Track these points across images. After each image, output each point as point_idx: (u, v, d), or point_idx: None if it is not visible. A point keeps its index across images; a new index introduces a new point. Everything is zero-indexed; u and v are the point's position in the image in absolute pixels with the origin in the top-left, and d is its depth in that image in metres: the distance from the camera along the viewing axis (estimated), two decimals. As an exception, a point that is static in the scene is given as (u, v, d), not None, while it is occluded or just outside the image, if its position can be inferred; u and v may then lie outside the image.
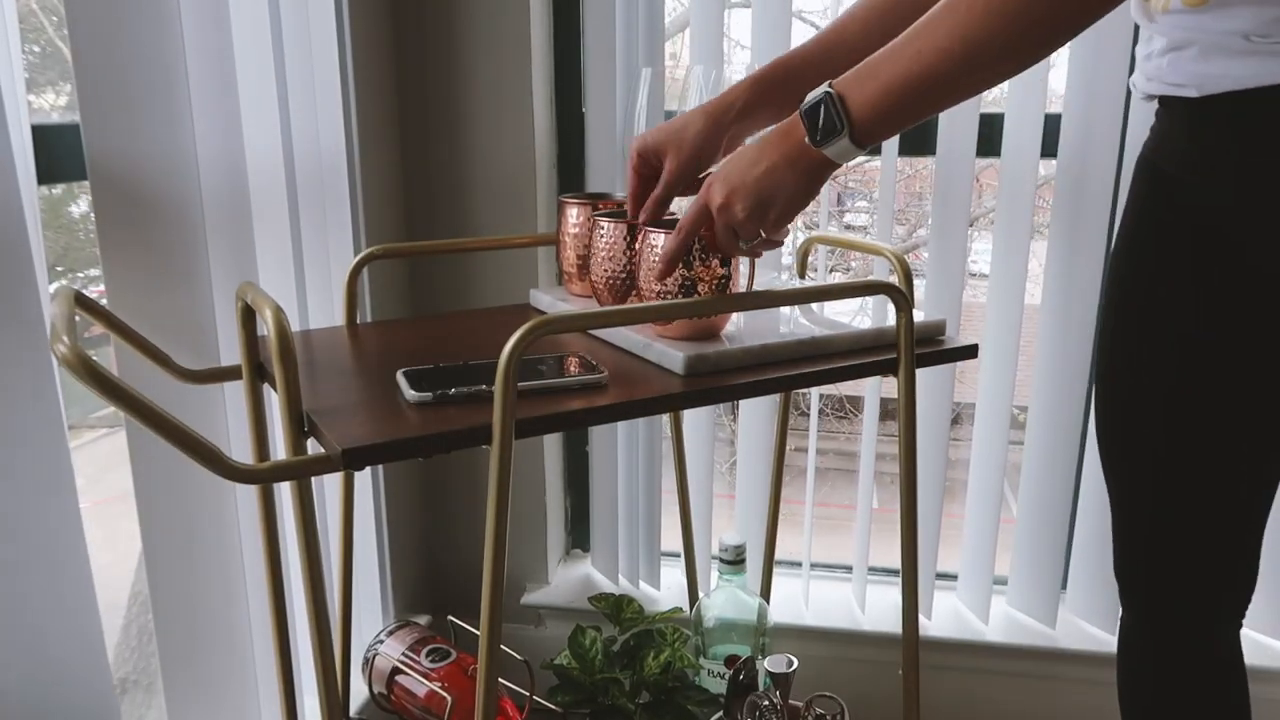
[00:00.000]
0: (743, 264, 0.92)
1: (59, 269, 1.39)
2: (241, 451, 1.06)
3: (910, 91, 0.72)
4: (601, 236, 0.95)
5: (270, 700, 1.14)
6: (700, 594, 1.42)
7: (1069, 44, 1.31)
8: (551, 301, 1.08)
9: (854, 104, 0.74)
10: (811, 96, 0.76)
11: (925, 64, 0.71)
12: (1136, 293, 0.87)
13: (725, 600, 1.35)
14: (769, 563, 1.40)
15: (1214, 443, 0.85)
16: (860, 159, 0.81)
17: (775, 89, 0.91)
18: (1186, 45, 0.77)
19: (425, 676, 1.21)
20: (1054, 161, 1.36)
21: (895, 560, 0.96)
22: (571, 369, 0.82)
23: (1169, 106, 0.83)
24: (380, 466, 1.40)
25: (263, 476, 0.70)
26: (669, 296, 0.88)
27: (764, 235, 0.82)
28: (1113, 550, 0.97)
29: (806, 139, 0.76)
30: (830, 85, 0.75)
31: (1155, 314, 0.85)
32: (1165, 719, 0.97)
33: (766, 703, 1.14)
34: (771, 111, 0.91)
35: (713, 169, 0.86)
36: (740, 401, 1.55)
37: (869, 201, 4.14)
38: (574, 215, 1.05)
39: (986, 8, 0.68)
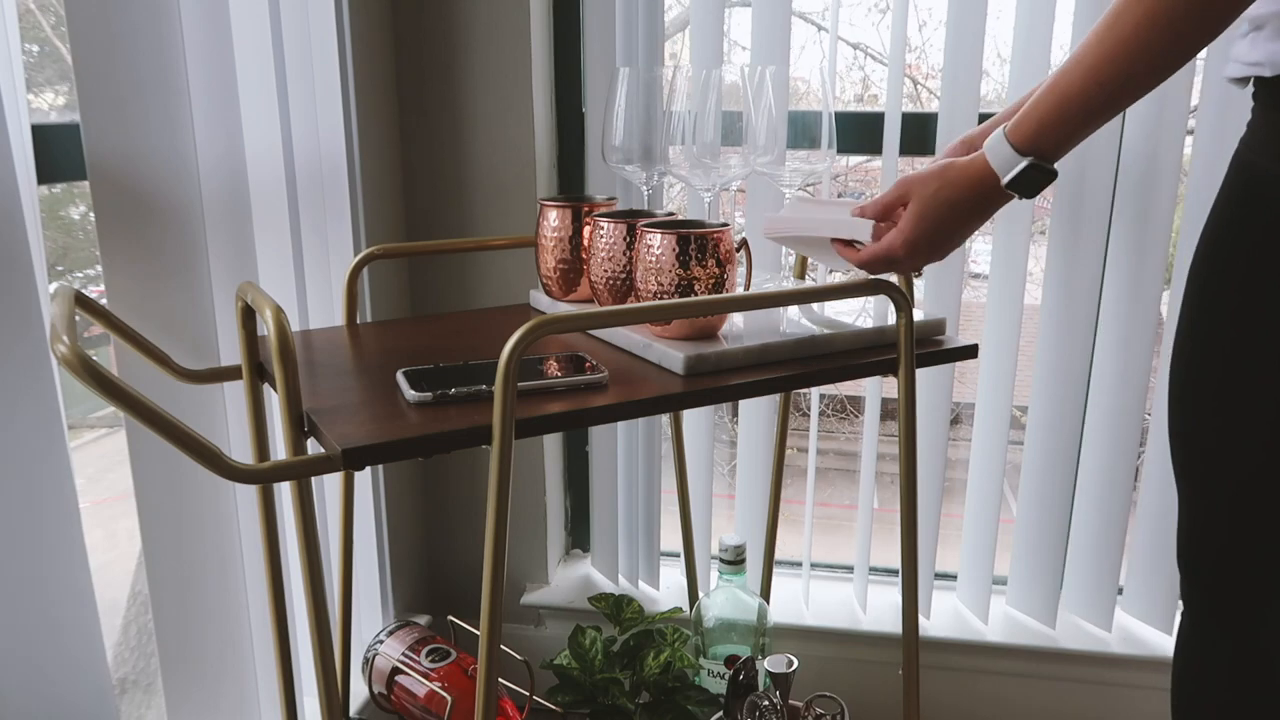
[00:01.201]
0: (740, 264, 0.92)
1: (59, 269, 1.39)
2: (241, 451, 1.06)
3: (1093, 118, 0.77)
4: (601, 237, 0.95)
5: (270, 700, 1.14)
6: (700, 594, 1.42)
7: (1068, 43, 1.31)
8: (551, 302, 1.07)
9: (1051, 154, 0.78)
10: (1009, 170, 0.79)
11: (1101, 94, 0.74)
12: (1227, 293, 0.85)
13: (725, 600, 1.35)
14: (769, 563, 1.40)
15: None
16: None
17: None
18: (1265, 22, 0.76)
19: (425, 676, 1.21)
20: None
21: (895, 560, 0.96)
22: (572, 369, 0.82)
23: (1257, 92, 0.82)
24: (380, 466, 1.40)
25: (263, 476, 0.70)
26: (665, 296, 0.88)
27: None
28: (1179, 547, 0.95)
29: (1015, 198, 0.81)
30: (1020, 149, 0.78)
31: (1249, 316, 0.83)
32: None
33: (766, 703, 1.14)
34: None
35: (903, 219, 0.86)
36: (740, 401, 1.55)
37: (869, 201, 4.12)
38: (553, 219, 1.04)
39: (1136, 29, 0.71)
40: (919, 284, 1.21)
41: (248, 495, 1.07)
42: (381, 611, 1.43)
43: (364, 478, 1.35)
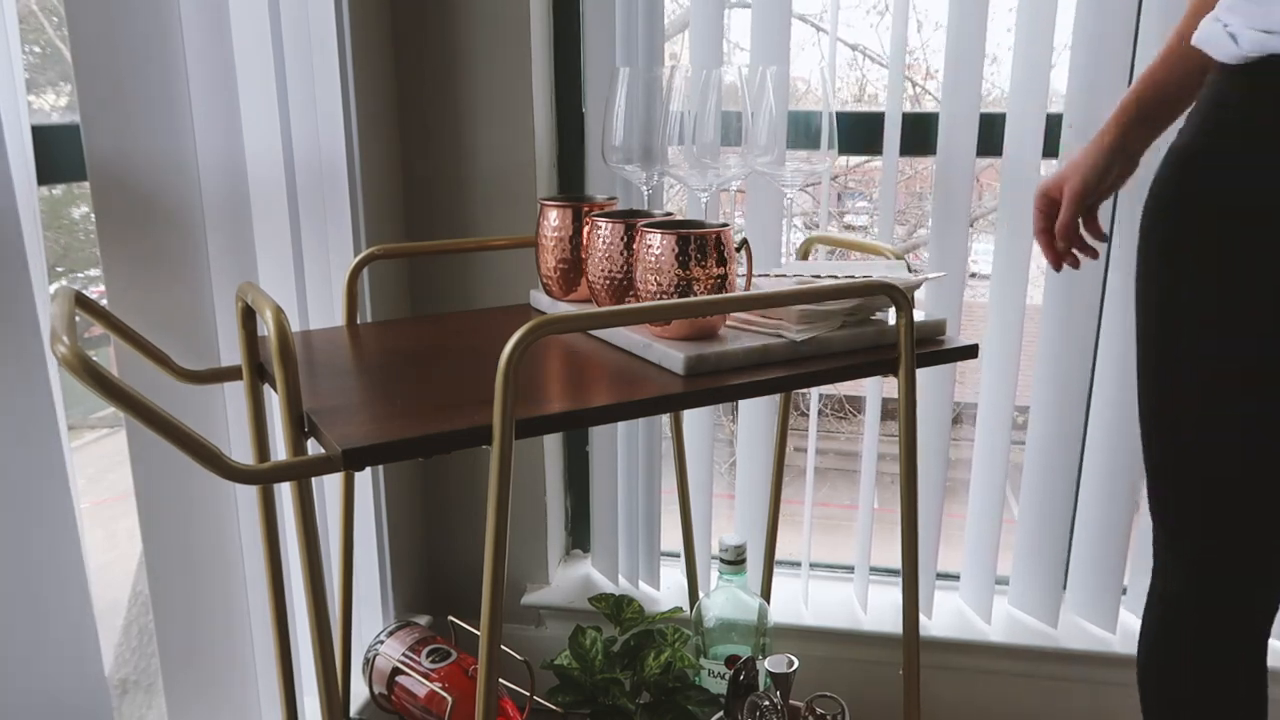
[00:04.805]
0: (740, 264, 0.91)
1: (59, 269, 1.39)
2: (241, 452, 1.06)
3: None
4: (599, 237, 0.95)
5: (270, 700, 1.14)
6: (700, 594, 1.42)
7: (1069, 43, 1.31)
8: (552, 302, 1.07)
9: None
10: None
11: None
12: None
13: (725, 600, 1.35)
14: (769, 563, 1.40)
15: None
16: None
17: (1141, 111, 1.00)
18: None
19: (426, 677, 1.21)
20: (1054, 161, 1.36)
21: (896, 560, 0.96)
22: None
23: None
24: (380, 467, 1.40)
25: (263, 477, 0.70)
26: (665, 296, 0.88)
27: None
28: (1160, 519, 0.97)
29: None
30: None
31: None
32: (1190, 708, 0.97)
33: (767, 703, 1.14)
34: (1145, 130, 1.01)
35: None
36: (740, 401, 1.55)
37: (869, 201, 4.14)
38: (554, 219, 1.03)
39: None
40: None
41: (248, 495, 1.07)
42: (382, 611, 1.43)
43: (364, 478, 1.35)
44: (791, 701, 1.17)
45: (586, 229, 1.01)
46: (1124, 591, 1.52)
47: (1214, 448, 0.88)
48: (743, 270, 0.98)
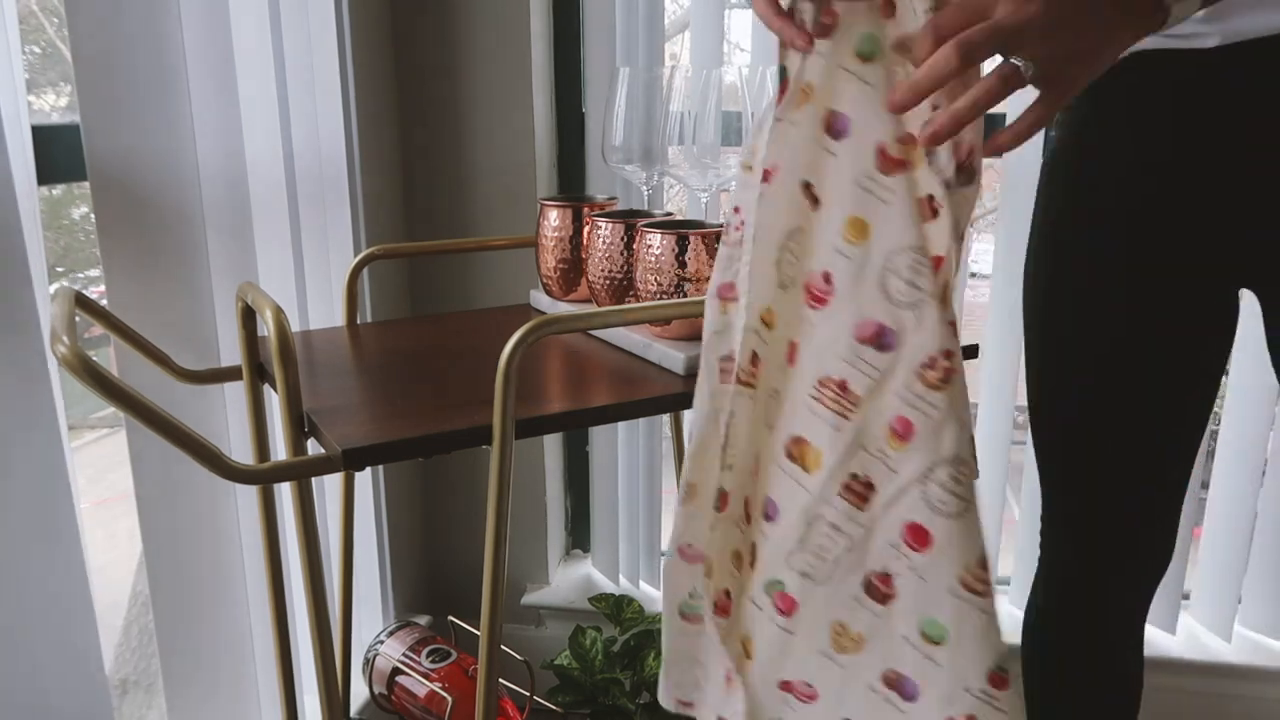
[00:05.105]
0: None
1: (59, 269, 1.40)
2: (242, 452, 1.06)
3: None
4: (599, 237, 0.95)
5: (270, 700, 1.14)
6: (700, 594, 1.42)
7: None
8: (552, 302, 1.07)
9: None
10: None
11: None
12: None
13: (725, 600, 1.35)
14: (769, 563, 1.40)
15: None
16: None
17: None
18: None
19: (426, 677, 1.21)
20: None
21: (895, 560, 0.96)
22: None
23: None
24: (380, 467, 1.40)
25: (263, 477, 0.70)
26: (665, 296, 0.88)
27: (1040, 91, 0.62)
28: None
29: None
30: None
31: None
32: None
33: (767, 703, 1.14)
34: None
35: None
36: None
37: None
38: (554, 219, 1.04)
39: None
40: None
41: (248, 495, 1.07)
42: (382, 612, 1.43)
43: (364, 478, 1.35)
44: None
45: (586, 229, 1.01)
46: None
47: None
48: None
